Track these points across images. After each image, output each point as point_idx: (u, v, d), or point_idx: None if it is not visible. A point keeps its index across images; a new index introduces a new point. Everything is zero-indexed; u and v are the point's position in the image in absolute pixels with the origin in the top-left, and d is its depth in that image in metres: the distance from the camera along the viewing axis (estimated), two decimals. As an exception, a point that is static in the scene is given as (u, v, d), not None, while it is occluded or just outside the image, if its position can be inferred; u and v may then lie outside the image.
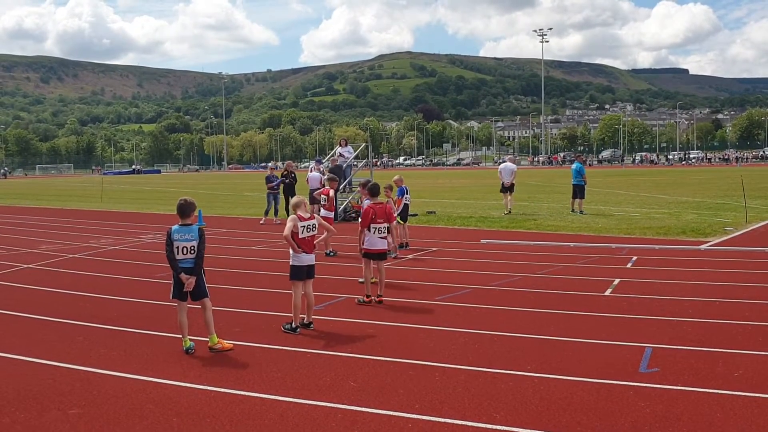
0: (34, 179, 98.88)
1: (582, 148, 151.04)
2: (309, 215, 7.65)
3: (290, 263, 7.59)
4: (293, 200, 7.87)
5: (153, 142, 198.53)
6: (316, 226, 7.68)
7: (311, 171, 21.39)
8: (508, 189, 21.78)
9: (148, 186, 57.54)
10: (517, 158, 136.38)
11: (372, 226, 8.88)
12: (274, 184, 20.60)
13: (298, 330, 7.41)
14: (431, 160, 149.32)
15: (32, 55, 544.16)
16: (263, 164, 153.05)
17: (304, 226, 7.51)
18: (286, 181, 20.82)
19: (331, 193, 13.92)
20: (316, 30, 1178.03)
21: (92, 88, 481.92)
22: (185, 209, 6.75)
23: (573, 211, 20.86)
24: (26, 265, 12.72)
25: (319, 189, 20.24)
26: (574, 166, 21.76)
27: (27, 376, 6.08)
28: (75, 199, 37.90)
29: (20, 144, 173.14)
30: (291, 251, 7.55)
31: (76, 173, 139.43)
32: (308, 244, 7.58)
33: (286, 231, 7.46)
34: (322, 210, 14.00)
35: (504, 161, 24.66)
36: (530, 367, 6.03)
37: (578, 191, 20.98)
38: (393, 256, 12.56)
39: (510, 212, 21.18)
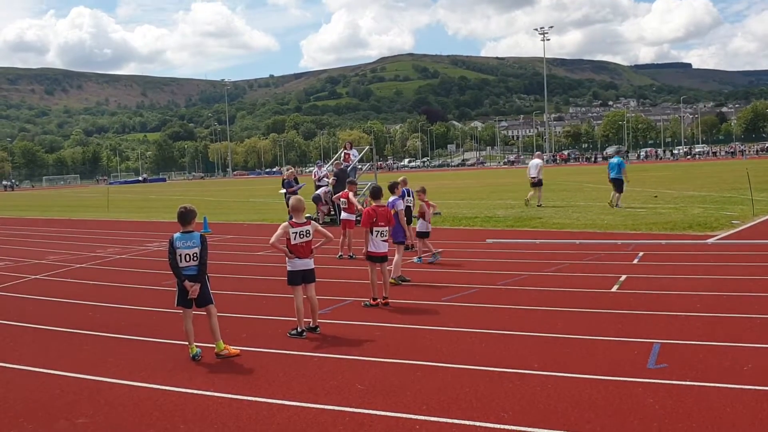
0: (41, 191, 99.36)
1: (586, 145, 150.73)
2: (304, 221, 7.61)
3: (287, 268, 7.59)
4: (292, 202, 7.82)
5: (158, 150, 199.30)
6: (311, 232, 7.60)
7: (315, 176, 21.45)
8: (535, 184, 22.91)
9: (154, 194, 57.71)
10: (521, 156, 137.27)
11: (374, 229, 8.88)
12: (294, 189, 20.60)
13: (305, 334, 7.40)
14: (430, 162, 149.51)
15: (36, 68, 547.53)
16: (268, 170, 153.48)
17: (296, 232, 7.47)
18: (303, 185, 20.91)
19: (351, 195, 13.91)
20: (315, 34, 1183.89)
21: (97, 99, 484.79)
22: (186, 217, 6.75)
23: (615, 205, 20.75)
24: (33, 276, 12.77)
25: (319, 195, 20.36)
26: (615, 160, 21.85)
27: (34, 386, 6.09)
28: (81, 209, 38.04)
29: (27, 156, 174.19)
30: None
31: (82, 184, 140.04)
32: (302, 250, 7.50)
33: (273, 238, 7.41)
34: (343, 213, 14.00)
35: (533, 158, 25.79)
36: (537, 366, 6.00)
37: (617, 185, 21.11)
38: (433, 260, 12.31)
39: (530, 204, 22.68)
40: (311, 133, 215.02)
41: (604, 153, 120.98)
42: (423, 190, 12.76)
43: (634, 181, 37.79)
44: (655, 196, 25.15)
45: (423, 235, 12.51)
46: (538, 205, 22.52)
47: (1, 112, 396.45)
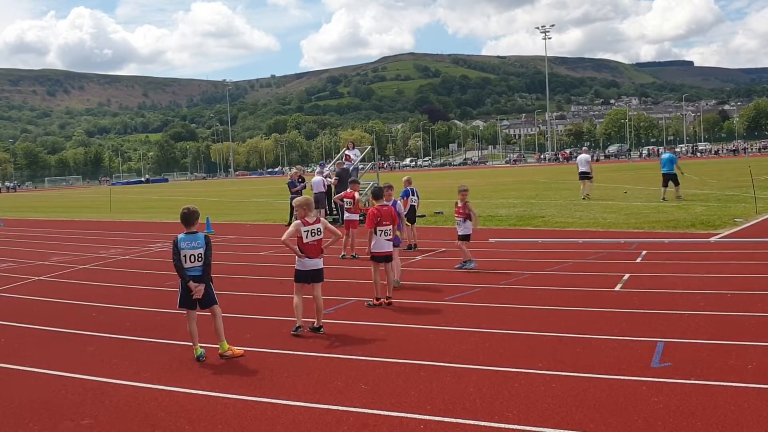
0: (44, 192, 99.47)
1: (588, 143, 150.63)
2: (314, 219, 7.61)
3: (295, 267, 7.58)
4: (298, 201, 7.80)
5: (159, 151, 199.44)
6: (322, 230, 7.61)
7: (316, 176, 21.45)
8: (585, 177, 24.90)
9: (156, 195, 57.77)
10: (523, 155, 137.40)
11: (378, 228, 8.87)
12: (298, 188, 20.59)
13: (300, 330, 7.43)
14: (432, 161, 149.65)
15: (38, 69, 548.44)
16: (270, 170, 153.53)
17: (308, 231, 7.46)
18: (305, 185, 20.94)
19: (357, 195, 13.89)
20: (316, 34, 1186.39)
21: (98, 100, 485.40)
22: (189, 218, 6.76)
23: (664, 199, 21.88)
24: (37, 277, 12.79)
25: (322, 192, 20.38)
26: (666, 155, 22.99)
27: (39, 387, 6.10)
28: (84, 210, 38.10)
29: (29, 157, 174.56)
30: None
31: (84, 184, 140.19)
32: (313, 249, 7.51)
33: (285, 236, 7.42)
34: (346, 213, 13.99)
35: (581, 153, 28.51)
36: (542, 365, 6.00)
37: (671, 179, 22.05)
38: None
39: (587, 197, 24.15)
40: (313, 133, 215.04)
41: (606, 151, 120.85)
42: (465, 190, 11.56)
43: (637, 180, 37.77)
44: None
45: (463, 238, 11.50)
46: (584, 198, 24.15)
47: (3, 113, 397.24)
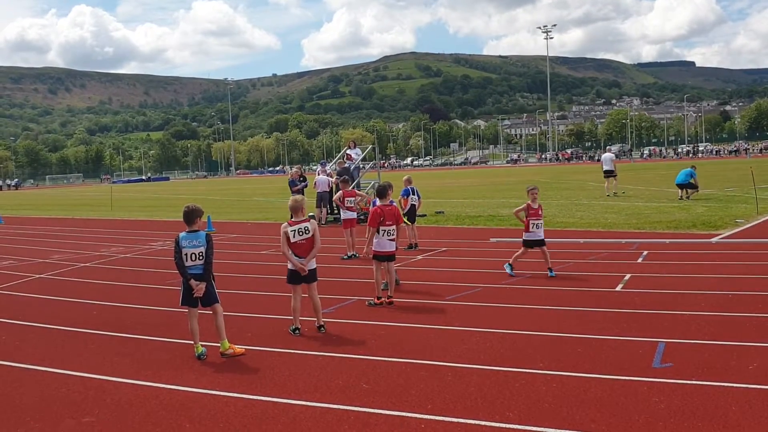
0: (45, 190, 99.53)
1: (589, 144, 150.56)
2: (302, 219, 7.49)
3: (287, 267, 7.56)
4: (289, 204, 7.69)
5: (161, 149, 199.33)
6: (310, 229, 7.47)
7: (318, 174, 21.47)
8: (610, 175, 25.94)
9: (157, 194, 57.78)
10: (524, 155, 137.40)
11: (381, 228, 8.85)
12: (299, 187, 20.63)
13: (298, 332, 7.43)
14: (433, 161, 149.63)
15: (39, 67, 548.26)
16: (271, 169, 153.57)
17: (295, 230, 7.40)
18: (306, 184, 20.99)
19: (363, 194, 13.84)
20: (317, 33, 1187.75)
21: (100, 98, 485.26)
22: (191, 216, 6.75)
23: (681, 198, 22.88)
24: (38, 275, 12.80)
25: (327, 191, 20.40)
26: (687, 170, 23.92)
27: (40, 385, 6.11)
28: (85, 208, 38.10)
29: (30, 155, 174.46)
30: None
31: (85, 183, 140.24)
32: (302, 248, 7.42)
33: (282, 245, 7.41)
34: (344, 212, 13.96)
35: (605, 153, 30.40)
36: (543, 365, 6.00)
37: (686, 187, 23.29)
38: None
39: (615, 194, 25.31)
40: (314, 132, 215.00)
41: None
42: (533, 190, 10.72)
43: (638, 180, 37.75)
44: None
45: (533, 243, 10.57)
46: (614, 194, 25.35)
47: (4, 111, 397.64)
